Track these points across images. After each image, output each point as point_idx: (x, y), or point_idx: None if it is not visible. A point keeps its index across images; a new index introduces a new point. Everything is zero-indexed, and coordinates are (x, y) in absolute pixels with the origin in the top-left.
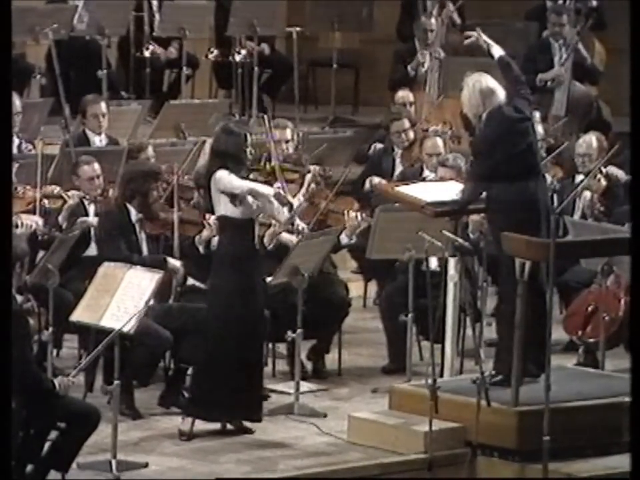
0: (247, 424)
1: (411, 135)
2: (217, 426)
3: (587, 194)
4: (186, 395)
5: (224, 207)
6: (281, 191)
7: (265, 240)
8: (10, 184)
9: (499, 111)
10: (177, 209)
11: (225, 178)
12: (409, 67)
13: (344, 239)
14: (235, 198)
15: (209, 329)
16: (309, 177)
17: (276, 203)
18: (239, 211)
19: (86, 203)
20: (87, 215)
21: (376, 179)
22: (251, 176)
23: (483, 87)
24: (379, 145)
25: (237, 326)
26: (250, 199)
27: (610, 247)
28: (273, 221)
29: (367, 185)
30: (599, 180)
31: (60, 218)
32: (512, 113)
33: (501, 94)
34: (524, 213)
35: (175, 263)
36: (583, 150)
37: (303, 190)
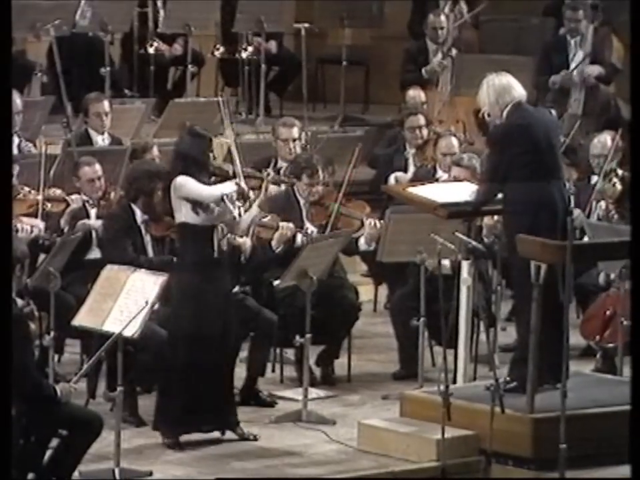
0: (251, 431)
1: (425, 132)
2: (218, 434)
3: (602, 203)
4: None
5: (185, 214)
6: (242, 184)
7: (273, 243)
8: (10, 186)
9: (521, 105)
10: None
11: (189, 185)
12: (423, 70)
13: (363, 245)
14: (197, 205)
15: (170, 338)
16: (265, 183)
17: (235, 211)
18: (200, 218)
19: (87, 206)
20: (88, 218)
21: (404, 177)
22: (212, 180)
23: (497, 84)
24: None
25: (198, 335)
26: (212, 206)
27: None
28: (281, 224)
29: (392, 181)
30: (614, 184)
31: (62, 222)
32: (535, 110)
33: (518, 91)
34: (541, 216)
35: None
36: (597, 151)
37: (260, 199)
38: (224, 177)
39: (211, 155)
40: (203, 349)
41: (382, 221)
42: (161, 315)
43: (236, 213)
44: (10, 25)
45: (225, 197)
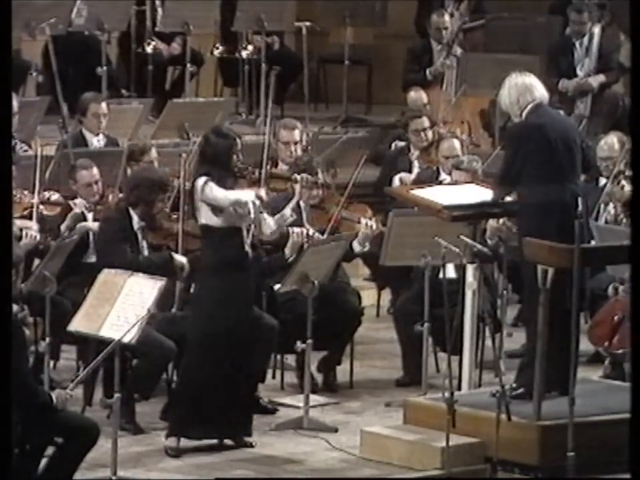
0: (249, 438)
1: (430, 134)
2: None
3: (610, 207)
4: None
5: (205, 216)
6: (262, 194)
7: (287, 251)
8: (10, 191)
9: (541, 106)
10: (181, 219)
11: (206, 187)
12: (427, 71)
13: (356, 246)
14: (215, 207)
15: (191, 341)
16: (297, 187)
17: (265, 215)
18: (221, 219)
19: (84, 210)
20: (85, 221)
21: (409, 177)
22: (242, 186)
23: (519, 83)
24: (400, 143)
25: (221, 337)
26: (231, 208)
27: None
28: (292, 230)
29: (397, 182)
30: (622, 187)
31: (63, 227)
32: (556, 113)
33: (540, 92)
34: (554, 219)
35: (181, 259)
36: (604, 153)
37: (293, 202)
38: (250, 179)
39: (234, 155)
40: (222, 351)
41: (378, 222)
42: (161, 320)
43: (266, 215)
44: (10, 26)
45: (249, 201)
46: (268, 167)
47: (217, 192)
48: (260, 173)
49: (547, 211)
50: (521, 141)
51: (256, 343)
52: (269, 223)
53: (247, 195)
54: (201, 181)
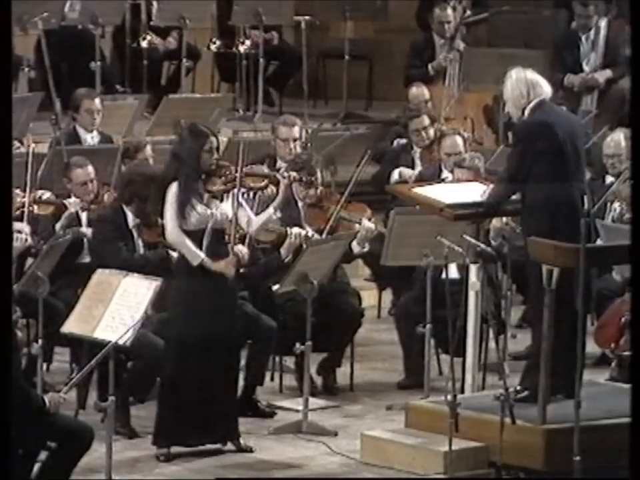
0: (248, 443)
1: (431, 132)
2: (216, 445)
3: (616, 205)
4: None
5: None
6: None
7: (283, 252)
8: (10, 191)
9: (547, 102)
10: None
11: (168, 207)
12: (429, 66)
13: (355, 247)
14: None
15: (167, 346)
16: (282, 185)
17: (248, 212)
18: (189, 224)
19: (79, 209)
20: (79, 220)
21: (408, 172)
22: (215, 185)
23: (528, 77)
24: (402, 140)
25: (198, 342)
26: (194, 213)
27: None
28: (290, 231)
29: (396, 175)
30: (629, 185)
31: (57, 226)
32: (561, 110)
33: (545, 87)
34: (561, 218)
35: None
36: (611, 150)
37: (277, 200)
38: (226, 178)
39: (205, 154)
40: (196, 357)
41: (377, 223)
42: (156, 322)
43: (249, 212)
44: (10, 24)
45: (234, 201)
46: (245, 165)
47: (168, 222)
48: (237, 171)
49: (554, 210)
50: (530, 138)
51: (240, 344)
52: (253, 221)
53: (193, 253)
54: (172, 191)
